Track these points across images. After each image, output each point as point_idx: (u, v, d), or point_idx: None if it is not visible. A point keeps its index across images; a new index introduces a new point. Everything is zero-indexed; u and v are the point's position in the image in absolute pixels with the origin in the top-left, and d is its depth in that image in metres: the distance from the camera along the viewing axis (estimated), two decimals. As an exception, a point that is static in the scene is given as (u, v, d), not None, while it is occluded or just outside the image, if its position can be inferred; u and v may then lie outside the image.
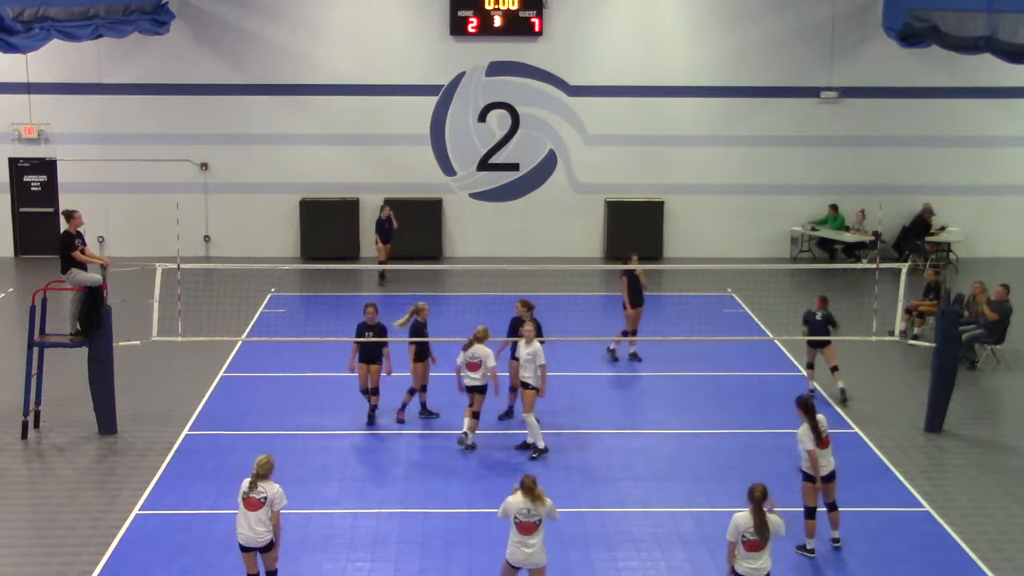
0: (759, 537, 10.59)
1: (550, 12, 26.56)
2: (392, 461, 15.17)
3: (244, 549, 11.05)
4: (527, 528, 10.75)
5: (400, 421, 16.30)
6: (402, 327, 16.41)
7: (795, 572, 12.27)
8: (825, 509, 12.81)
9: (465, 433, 15.37)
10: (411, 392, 16.39)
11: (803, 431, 12.54)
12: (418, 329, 16.29)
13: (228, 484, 11.35)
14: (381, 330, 16.15)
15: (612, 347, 19.39)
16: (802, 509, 12.68)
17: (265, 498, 10.89)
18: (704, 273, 24.17)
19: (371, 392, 16.25)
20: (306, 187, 27.01)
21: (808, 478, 12.59)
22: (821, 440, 12.53)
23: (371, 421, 16.31)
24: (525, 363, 15.22)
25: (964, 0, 23.74)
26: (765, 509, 10.65)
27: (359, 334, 16.12)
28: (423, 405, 16.56)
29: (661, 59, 26.99)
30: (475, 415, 15.35)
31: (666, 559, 12.52)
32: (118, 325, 16.07)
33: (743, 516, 10.66)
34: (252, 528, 10.94)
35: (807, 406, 12.61)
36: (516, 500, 10.79)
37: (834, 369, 17.67)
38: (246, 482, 10.99)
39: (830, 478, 12.69)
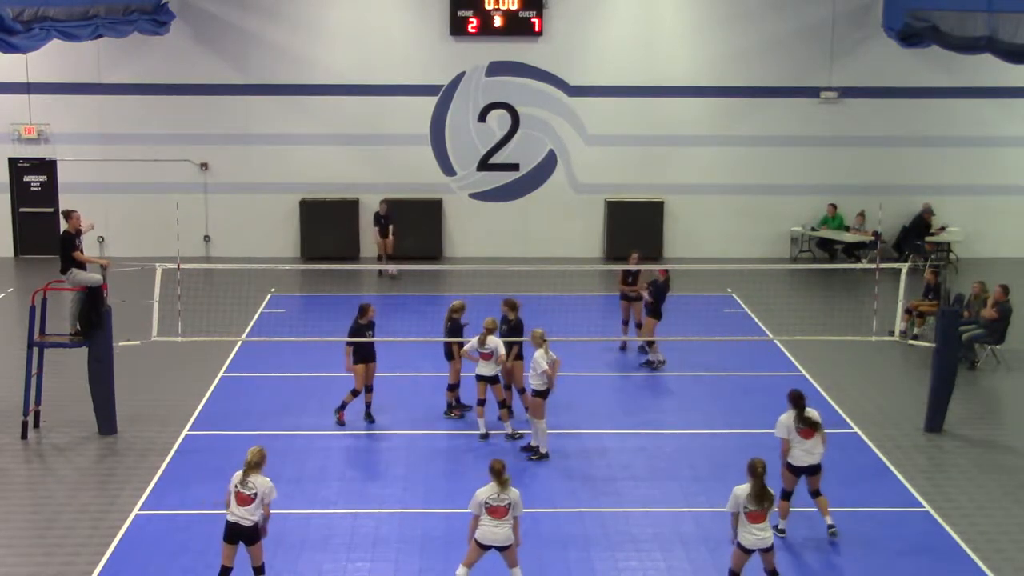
0: (758, 508, 10.98)
1: (550, 12, 26.56)
2: (392, 461, 15.17)
3: (229, 537, 11.14)
4: (497, 512, 11.16)
5: (459, 416, 16.60)
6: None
7: (795, 571, 12.27)
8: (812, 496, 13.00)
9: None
10: (451, 388, 16.64)
11: (784, 419, 12.71)
12: (457, 328, 16.37)
13: (228, 484, 11.36)
14: (374, 327, 16.25)
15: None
16: (803, 508, 12.73)
17: (255, 494, 11.07)
18: (704, 273, 24.19)
19: (366, 389, 16.26)
20: (306, 187, 27.01)
21: (789, 468, 12.75)
22: (802, 431, 12.63)
23: (369, 419, 16.34)
24: (532, 368, 15.19)
25: (964, 0, 23.74)
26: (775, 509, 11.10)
27: (358, 334, 16.08)
28: (454, 401, 16.70)
29: (661, 59, 26.99)
30: (482, 402, 15.81)
31: (666, 559, 12.52)
32: (118, 325, 16.06)
33: (743, 488, 11.08)
34: (241, 515, 11.08)
35: (796, 399, 12.77)
36: (484, 489, 11.23)
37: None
38: (238, 475, 11.14)
39: (815, 471, 12.78)
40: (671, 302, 19.05)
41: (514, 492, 11.25)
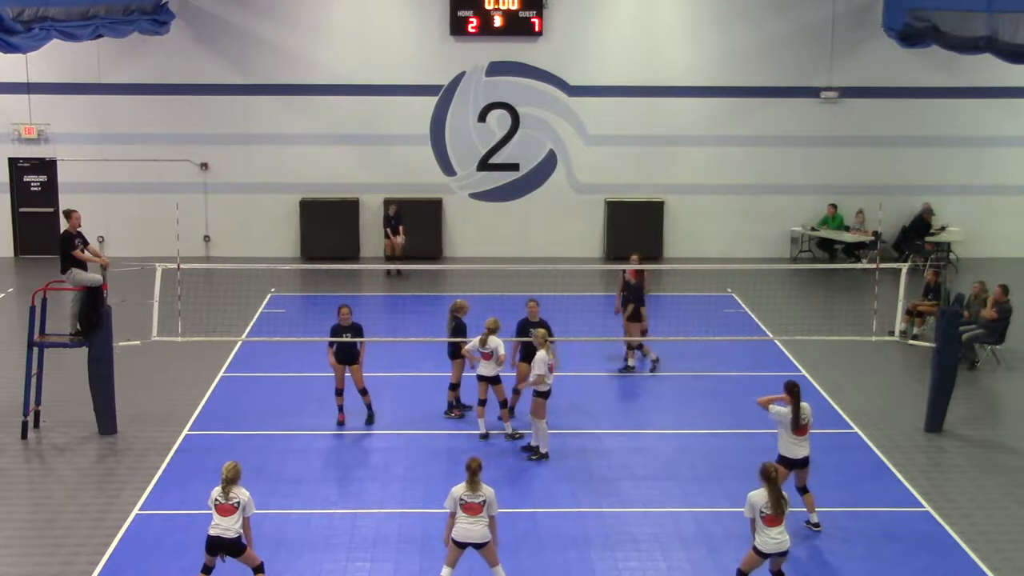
0: (776, 512, 11.03)
1: (550, 12, 26.56)
2: (392, 461, 15.16)
3: (211, 550, 11.18)
4: (472, 509, 11.20)
5: (459, 416, 16.59)
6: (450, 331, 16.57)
7: (795, 572, 12.26)
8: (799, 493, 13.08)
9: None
10: (452, 388, 16.62)
11: (782, 414, 12.80)
12: (460, 328, 16.36)
13: (207, 501, 11.39)
14: (357, 330, 16.11)
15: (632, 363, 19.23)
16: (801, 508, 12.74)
17: (238, 503, 11.11)
18: (704, 273, 24.16)
19: (361, 392, 16.24)
20: (306, 187, 27.01)
21: (782, 460, 12.80)
22: (799, 427, 12.77)
23: (370, 420, 16.34)
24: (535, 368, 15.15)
25: (964, 0, 23.75)
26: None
27: (336, 334, 16.07)
28: (454, 401, 16.71)
29: (661, 59, 26.99)
30: (483, 403, 15.82)
31: (666, 559, 12.52)
32: (118, 325, 16.06)
33: (758, 493, 11.11)
34: (224, 527, 11.09)
35: (794, 390, 12.83)
36: (460, 486, 11.30)
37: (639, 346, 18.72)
38: (217, 490, 11.17)
39: (803, 463, 12.92)
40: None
41: (489, 491, 11.27)
